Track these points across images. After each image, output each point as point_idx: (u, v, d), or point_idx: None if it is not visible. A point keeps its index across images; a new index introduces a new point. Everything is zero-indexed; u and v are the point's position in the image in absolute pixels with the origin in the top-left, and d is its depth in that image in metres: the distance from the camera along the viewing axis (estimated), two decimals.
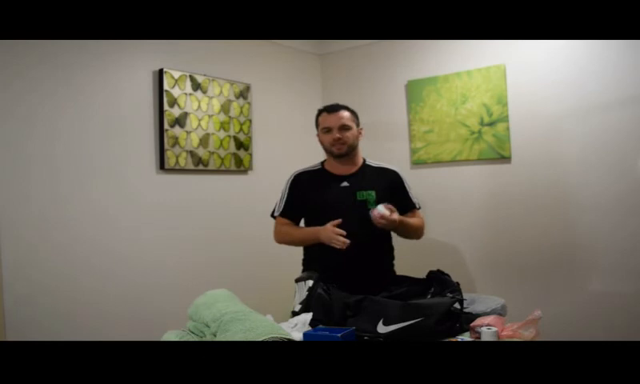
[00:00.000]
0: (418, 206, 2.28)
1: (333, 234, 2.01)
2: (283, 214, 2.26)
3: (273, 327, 1.49)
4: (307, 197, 2.22)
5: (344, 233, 2.01)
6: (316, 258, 2.16)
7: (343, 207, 2.14)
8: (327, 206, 2.17)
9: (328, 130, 2.19)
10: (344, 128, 2.18)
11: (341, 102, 2.27)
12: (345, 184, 2.19)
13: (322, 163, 2.30)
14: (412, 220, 2.20)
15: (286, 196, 2.26)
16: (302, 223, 2.33)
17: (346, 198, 2.16)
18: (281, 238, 2.28)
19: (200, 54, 3.01)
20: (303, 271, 2.24)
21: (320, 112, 2.26)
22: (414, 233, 2.23)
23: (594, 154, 2.77)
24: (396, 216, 2.02)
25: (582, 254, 2.83)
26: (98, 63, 2.57)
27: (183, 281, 2.83)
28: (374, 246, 2.17)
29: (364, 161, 2.27)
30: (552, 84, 2.88)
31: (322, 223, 2.11)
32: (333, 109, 2.22)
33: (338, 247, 2.00)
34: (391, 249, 2.28)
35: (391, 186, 2.21)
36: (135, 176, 2.71)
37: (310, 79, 3.77)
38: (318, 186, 2.22)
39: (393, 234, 2.28)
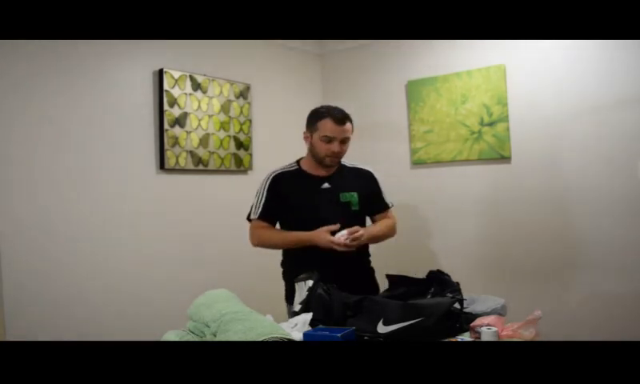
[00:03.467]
0: (390, 205, 2.26)
1: (333, 242, 1.97)
2: (262, 217, 2.15)
3: (273, 327, 1.49)
4: (287, 199, 2.14)
5: (342, 241, 1.97)
6: (295, 257, 2.12)
7: (326, 209, 2.10)
8: (310, 208, 2.11)
9: (329, 140, 2.06)
10: (345, 141, 2.09)
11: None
12: (326, 185, 2.13)
13: (298, 162, 2.20)
14: (379, 228, 2.19)
15: (264, 198, 2.14)
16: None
17: (329, 199, 2.12)
18: (259, 242, 2.18)
19: (200, 53, 3.01)
20: (284, 272, 2.24)
21: (322, 115, 2.08)
22: (384, 237, 2.21)
23: (594, 154, 2.77)
24: (357, 240, 1.99)
25: (581, 254, 2.83)
26: (98, 63, 2.57)
27: (183, 280, 2.84)
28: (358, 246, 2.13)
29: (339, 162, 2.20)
30: (552, 84, 2.88)
31: (304, 225, 2.06)
32: (340, 119, 2.06)
33: (341, 250, 1.97)
34: (367, 246, 2.24)
35: (369, 188, 2.19)
36: (135, 176, 2.71)
37: (310, 79, 3.77)
38: (299, 187, 2.14)
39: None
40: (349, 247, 1.99)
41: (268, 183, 2.15)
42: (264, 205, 2.14)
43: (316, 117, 2.11)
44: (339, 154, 2.11)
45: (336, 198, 2.13)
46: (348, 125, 2.08)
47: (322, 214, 2.08)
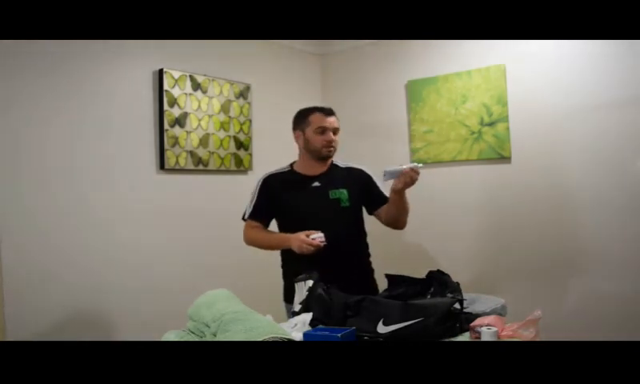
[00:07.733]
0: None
1: (303, 242, 1.99)
2: (253, 217, 2.25)
3: (273, 327, 1.49)
4: (278, 199, 2.22)
5: (316, 243, 1.97)
6: (293, 257, 2.12)
7: (316, 207, 2.16)
8: (300, 207, 2.18)
9: (323, 131, 2.17)
10: (336, 132, 2.20)
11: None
12: (316, 184, 2.19)
13: (291, 165, 2.28)
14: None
15: (255, 199, 2.24)
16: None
17: (319, 197, 2.17)
18: (250, 241, 2.28)
19: (200, 54, 3.01)
20: (282, 266, 2.28)
21: (312, 111, 2.21)
22: (406, 212, 2.18)
23: (594, 154, 2.77)
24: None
25: (581, 254, 2.83)
26: (97, 63, 2.57)
27: (183, 281, 2.84)
28: (348, 243, 2.18)
29: (332, 161, 2.27)
30: (552, 84, 2.88)
31: (296, 224, 2.11)
32: (329, 111, 2.21)
33: (308, 253, 1.98)
34: (366, 245, 2.29)
35: (361, 185, 2.23)
36: (135, 176, 2.71)
37: (309, 79, 3.77)
38: (290, 187, 2.21)
39: (371, 233, 2.28)
40: (317, 248, 1.98)
41: (259, 185, 2.26)
42: (254, 206, 2.25)
43: (305, 113, 2.22)
44: (334, 143, 2.18)
45: (326, 195, 2.18)
46: (334, 117, 2.21)
47: (311, 212, 2.14)
